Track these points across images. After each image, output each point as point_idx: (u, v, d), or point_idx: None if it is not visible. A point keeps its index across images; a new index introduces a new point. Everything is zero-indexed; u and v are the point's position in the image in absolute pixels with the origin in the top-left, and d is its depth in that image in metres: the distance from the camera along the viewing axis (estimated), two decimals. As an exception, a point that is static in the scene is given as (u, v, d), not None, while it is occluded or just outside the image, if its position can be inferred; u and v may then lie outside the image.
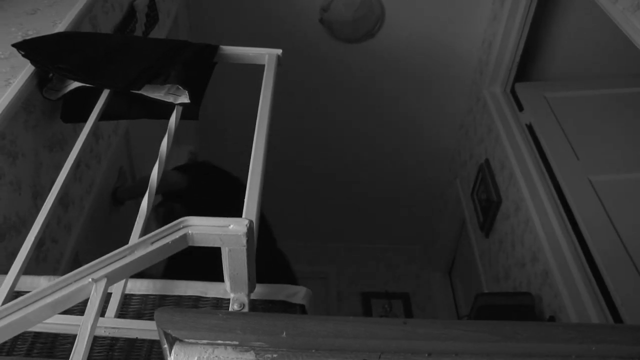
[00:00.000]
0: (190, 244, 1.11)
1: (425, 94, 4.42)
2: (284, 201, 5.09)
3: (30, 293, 0.99)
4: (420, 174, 5.01)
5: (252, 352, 0.77)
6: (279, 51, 1.90)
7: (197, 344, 0.78)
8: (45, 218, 1.39)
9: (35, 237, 1.35)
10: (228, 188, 2.98)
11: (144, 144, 3.13)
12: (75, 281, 1.01)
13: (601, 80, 3.78)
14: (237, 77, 3.92)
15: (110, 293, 1.34)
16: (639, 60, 3.59)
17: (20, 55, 1.78)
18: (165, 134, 1.65)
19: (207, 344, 0.78)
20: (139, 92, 1.74)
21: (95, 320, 0.99)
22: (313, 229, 5.51)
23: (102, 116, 1.74)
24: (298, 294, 1.41)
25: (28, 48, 1.79)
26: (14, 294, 1.24)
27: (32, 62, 1.78)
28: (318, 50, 4.14)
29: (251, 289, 1.29)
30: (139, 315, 1.36)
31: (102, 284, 1.02)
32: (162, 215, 2.77)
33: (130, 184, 2.96)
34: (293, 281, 3.00)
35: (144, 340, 1.29)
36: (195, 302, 1.39)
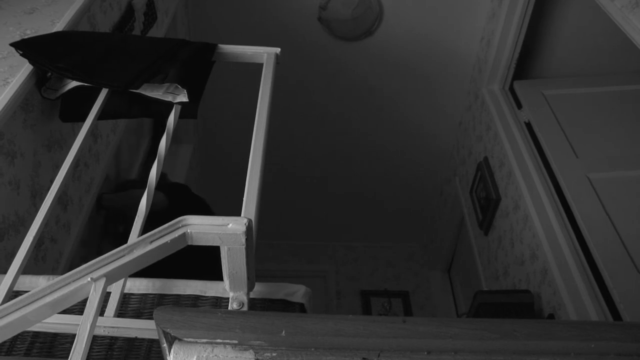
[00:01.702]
0: (190, 243, 1.11)
1: (424, 91, 4.42)
2: (283, 200, 5.09)
3: (29, 293, 0.99)
4: (419, 172, 5.02)
5: (251, 350, 0.77)
6: (278, 50, 1.90)
7: (196, 342, 0.78)
8: (44, 217, 1.39)
9: (34, 237, 1.34)
10: (199, 210, 3.05)
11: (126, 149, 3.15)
12: (74, 280, 1.01)
13: (600, 77, 3.78)
14: (236, 76, 3.92)
15: (110, 292, 1.34)
16: (638, 58, 3.59)
17: (18, 55, 1.78)
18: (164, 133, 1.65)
19: (206, 342, 0.78)
20: (138, 91, 1.74)
21: (95, 320, 0.99)
22: (312, 228, 5.52)
23: (101, 115, 1.74)
24: (297, 292, 1.41)
25: (26, 47, 1.78)
26: (13, 294, 1.24)
27: (30, 61, 1.78)
28: (317, 49, 4.14)
29: (250, 287, 1.29)
30: (138, 315, 1.36)
31: (101, 283, 1.02)
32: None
33: (119, 193, 2.95)
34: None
35: (143, 340, 1.29)
36: (195, 301, 1.39)
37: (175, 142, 4.31)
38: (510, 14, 3.56)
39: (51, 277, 1.39)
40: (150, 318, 1.32)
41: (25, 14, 2.09)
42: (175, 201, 2.90)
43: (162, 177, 3.48)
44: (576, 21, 3.71)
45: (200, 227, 1.09)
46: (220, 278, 1.33)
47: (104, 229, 2.88)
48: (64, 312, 1.08)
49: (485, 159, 3.86)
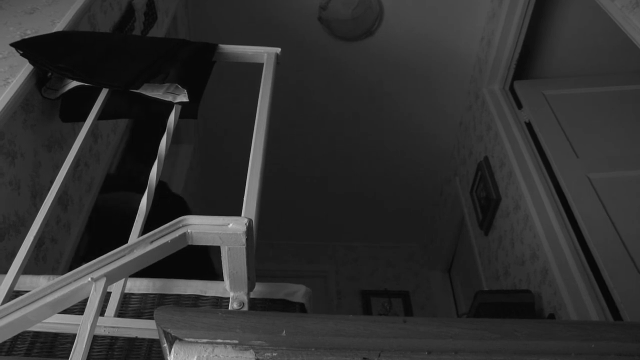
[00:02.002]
0: (190, 243, 1.11)
1: (424, 91, 4.42)
2: (283, 200, 5.09)
3: (29, 292, 0.99)
4: (419, 171, 5.02)
5: (251, 350, 0.77)
6: (278, 50, 1.90)
7: (196, 342, 0.78)
8: (45, 217, 1.39)
9: (35, 237, 1.34)
10: (178, 209, 3.05)
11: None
12: (74, 280, 1.01)
13: (600, 77, 3.78)
14: (236, 76, 3.92)
15: (110, 292, 1.34)
16: (638, 58, 3.59)
17: (18, 55, 1.78)
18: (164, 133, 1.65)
19: (207, 342, 0.78)
20: (138, 91, 1.74)
21: (95, 320, 0.99)
22: (312, 228, 5.52)
23: (101, 115, 1.74)
24: (298, 292, 1.41)
25: (26, 47, 1.79)
26: (13, 294, 1.24)
27: (31, 61, 1.78)
28: (317, 49, 4.14)
29: (251, 287, 1.29)
30: (138, 315, 1.36)
31: (102, 283, 1.02)
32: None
33: (107, 195, 2.93)
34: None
35: (143, 340, 1.29)
36: (195, 301, 1.39)
37: (175, 142, 4.31)
38: (510, 14, 3.56)
39: (51, 277, 1.39)
40: (151, 318, 1.32)
41: (26, 14, 2.09)
42: (155, 200, 2.88)
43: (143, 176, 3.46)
44: (576, 21, 3.71)
45: (200, 227, 1.09)
46: (211, 277, 1.33)
47: (88, 231, 2.87)
48: (65, 312, 1.08)
49: (486, 158, 3.86)
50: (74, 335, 0.97)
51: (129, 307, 1.37)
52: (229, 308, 1.29)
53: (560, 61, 3.90)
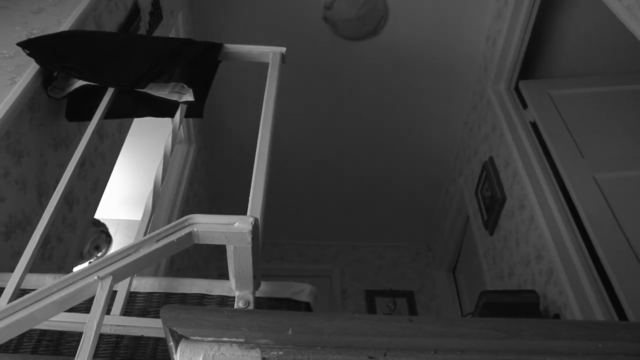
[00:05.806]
0: (196, 242, 1.11)
1: (429, 91, 4.41)
2: (288, 200, 5.10)
3: (36, 291, 0.99)
4: (424, 171, 5.01)
5: (257, 349, 0.77)
6: (283, 49, 1.90)
7: (203, 341, 0.78)
8: (51, 216, 1.39)
9: (41, 236, 1.35)
10: None
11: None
12: (80, 279, 1.02)
13: (605, 77, 3.77)
14: (242, 75, 3.92)
15: (116, 291, 1.35)
16: (644, 57, 3.58)
17: (25, 54, 1.79)
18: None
19: (213, 341, 0.78)
20: (144, 90, 1.74)
21: (101, 318, 0.99)
22: (317, 228, 5.52)
23: (107, 115, 1.75)
24: (303, 291, 1.41)
25: (33, 47, 1.79)
26: (19, 292, 1.25)
27: (37, 60, 1.79)
28: (322, 48, 4.14)
29: (256, 286, 1.29)
30: (144, 313, 1.36)
31: (108, 281, 1.03)
32: None
33: None
34: None
35: (149, 338, 1.30)
36: (200, 300, 1.39)
37: (180, 141, 4.32)
38: (515, 13, 3.56)
39: (57, 275, 1.40)
40: (157, 317, 1.32)
41: (32, 13, 2.10)
42: None
43: None
44: (582, 20, 3.70)
45: (206, 226, 1.10)
46: None
47: None
48: (71, 310, 1.09)
49: (491, 158, 3.85)
50: (80, 334, 0.98)
51: (135, 305, 1.38)
52: (235, 307, 1.29)
53: (565, 61, 3.89)
